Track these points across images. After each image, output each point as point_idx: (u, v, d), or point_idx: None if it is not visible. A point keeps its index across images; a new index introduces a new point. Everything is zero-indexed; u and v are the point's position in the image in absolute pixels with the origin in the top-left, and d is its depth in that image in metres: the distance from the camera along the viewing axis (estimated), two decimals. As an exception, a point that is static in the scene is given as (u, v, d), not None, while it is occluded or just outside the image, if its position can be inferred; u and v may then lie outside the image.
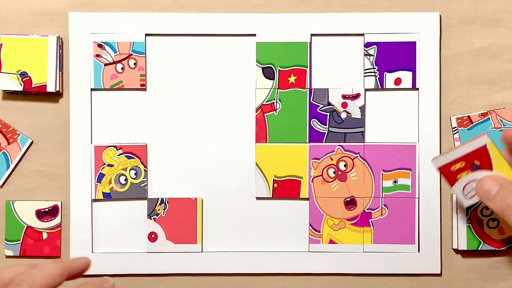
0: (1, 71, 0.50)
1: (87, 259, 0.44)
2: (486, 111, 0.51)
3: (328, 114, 0.51)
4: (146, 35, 0.51)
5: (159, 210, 0.51)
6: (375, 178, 0.51)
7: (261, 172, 0.51)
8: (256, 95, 0.51)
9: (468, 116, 0.51)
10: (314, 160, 0.51)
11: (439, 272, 0.51)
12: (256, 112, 0.51)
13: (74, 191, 0.51)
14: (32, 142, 0.52)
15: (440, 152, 0.51)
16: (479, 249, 0.51)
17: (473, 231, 0.51)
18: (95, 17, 0.51)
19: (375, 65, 0.51)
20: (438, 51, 0.51)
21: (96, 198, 0.51)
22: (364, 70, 0.51)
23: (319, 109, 0.51)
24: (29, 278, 0.40)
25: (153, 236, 0.51)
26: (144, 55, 0.51)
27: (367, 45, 0.51)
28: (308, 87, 0.51)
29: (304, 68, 0.51)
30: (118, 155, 0.51)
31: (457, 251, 0.52)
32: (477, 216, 0.51)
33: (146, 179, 0.52)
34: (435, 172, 0.51)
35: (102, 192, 0.51)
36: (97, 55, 0.51)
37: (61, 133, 0.52)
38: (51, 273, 0.42)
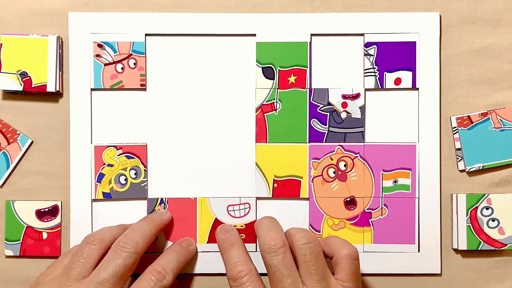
0: (1, 71, 0.50)
1: (168, 213, 0.50)
2: (486, 111, 0.51)
3: (328, 114, 0.51)
4: (146, 35, 0.51)
5: (158, 210, 0.51)
6: (375, 178, 0.51)
7: (261, 172, 0.51)
8: (256, 95, 0.51)
9: (468, 116, 0.51)
10: (314, 160, 0.51)
11: (439, 272, 0.51)
12: (256, 112, 0.51)
13: (74, 191, 0.51)
14: (32, 142, 0.52)
15: (440, 153, 0.51)
16: (479, 249, 0.51)
17: (473, 231, 0.51)
18: (95, 17, 0.51)
19: (375, 65, 0.51)
20: (438, 51, 0.51)
21: (96, 198, 0.51)
22: (364, 70, 0.51)
23: (319, 109, 0.51)
24: (131, 240, 0.44)
25: (153, 236, 0.51)
26: (144, 55, 0.51)
27: (367, 45, 0.51)
28: (308, 87, 0.51)
29: (304, 68, 0.51)
30: (118, 155, 0.51)
31: (457, 251, 0.52)
32: (477, 216, 0.51)
33: (146, 179, 0.52)
34: (435, 172, 0.51)
35: (102, 192, 0.51)
36: (97, 55, 0.51)
37: (61, 133, 0.52)
38: (147, 233, 0.47)
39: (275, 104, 0.51)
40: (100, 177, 0.51)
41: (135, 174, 0.51)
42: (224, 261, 0.48)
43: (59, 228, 0.52)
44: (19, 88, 0.50)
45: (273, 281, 0.44)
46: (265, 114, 0.51)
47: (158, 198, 0.51)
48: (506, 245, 0.51)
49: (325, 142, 0.51)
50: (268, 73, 0.51)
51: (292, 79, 0.51)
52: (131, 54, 0.51)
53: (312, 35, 0.51)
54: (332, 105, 0.51)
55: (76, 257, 0.44)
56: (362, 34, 0.51)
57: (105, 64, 0.51)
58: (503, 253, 0.52)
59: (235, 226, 0.51)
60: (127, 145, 0.52)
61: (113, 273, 0.42)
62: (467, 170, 0.51)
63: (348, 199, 0.52)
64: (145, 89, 0.52)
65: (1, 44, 0.50)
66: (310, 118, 0.51)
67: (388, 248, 0.51)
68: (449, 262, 0.52)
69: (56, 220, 0.51)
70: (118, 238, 0.45)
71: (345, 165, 0.51)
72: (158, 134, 0.52)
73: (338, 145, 0.51)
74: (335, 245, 0.46)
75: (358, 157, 0.51)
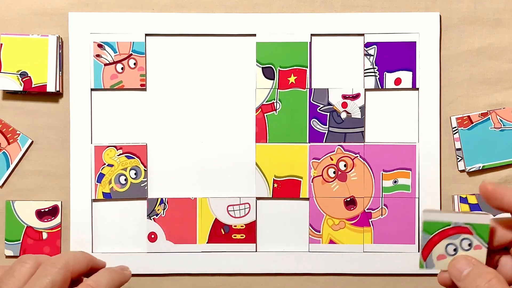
0: (1, 71, 0.50)
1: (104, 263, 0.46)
2: (486, 111, 0.51)
3: (328, 114, 0.51)
4: (146, 35, 0.51)
5: (158, 210, 0.51)
6: (375, 178, 0.51)
7: (261, 172, 0.51)
8: (256, 95, 0.51)
9: (468, 116, 0.51)
10: (314, 160, 0.51)
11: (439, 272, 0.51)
12: (256, 112, 0.51)
13: (74, 191, 0.51)
14: (32, 142, 0.52)
15: (440, 153, 0.51)
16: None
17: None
18: (95, 17, 0.51)
19: (375, 65, 0.51)
20: (438, 51, 0.51)
21: (96, 198, 0.51)
22: (364, 70, 0.51)
23: (319, 109, 0.51)
24: (62, 258, 0.41)
25: (153, 236, 0.51)
26: (144, 55, 0.51)
27: (367, 45, 0.51)
28: (308, 87, 0.51)
29: (304, 68, 0.51)
30: (118, 155, 0.51)
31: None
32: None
33: (146, 179, 0.52)
34: (435, 172, 0.51)
35: (102, 192, 0.51)
36: (97, 55, 0.51)
37: (61, 133, 0.52)
38: (81, 259, 0.43)
39: (275, 104, 0.51)
40: (100, 177, 0.51)
41: (135, 174, 0.51)
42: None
43: (59, 228, 0.52)
44: (19, 88, 0.50)
45: None
46: (265, 114, 0.51)
47: (158, 198, 0.51)
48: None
49: (325, 142, 0.51)
50: (268, 73, 0.51)
51: (292, 79, 0.51)
52: (131, 54, 0.51)
53: (312, 35, 0.51)
54: (332, 105, 0.51)
55: (6, 275, 0.41)
56: (362, 34, 0.51)
57: (105, 64, 0.51)
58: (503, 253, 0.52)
59: (235, 226, 0.51)
60: (127, 145, 0.52)
61: None
62: (467, 170, 0.51)
63: (348, 199, 0.52)
64: (145, 89, 0.52)
65: (1, 44, 0.50)
66: (310, 118, 0.51)
67: (388, 248, 0.51)
68: (449, 262, 0.52)
69: (56, 220, 0.51)
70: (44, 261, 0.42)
71: (345, 165, 0.51)
72: (158, 134, 0.52)
73: (338, 145, 0.51)
74: None
75: (358, 157, 0.51)
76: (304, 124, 0.51)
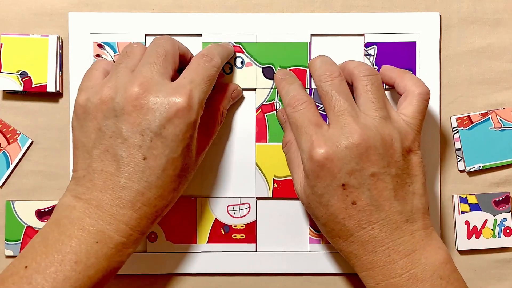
0: (1, 71, 0.50)
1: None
2: (486, 111, 0.51)
3: (328, 114, 0.51)
4: (146, 35, 0.51)
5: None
6: (375, 178, 0.51)
7: (261, 172, 0.51)
8: (256, 95, 0.51)
9: (468, 116, 0.51)
10: (314, 160, 0.51)
11: (439, 272, 0.51)
12: (256, 112, 0.51)
13: (74, 191, 0.51)
14: (32, 142, 0.52)
15: (440, 153, 0.51)
16: (479, 249, 0.51)
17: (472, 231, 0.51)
18: (95, 17, 0.51)
19: (375, 65, 0.51)
20: (438, 51, 0.51)
21: (96, 198, 0.51)
22: (364, 70, 0.51)
23: (319, 109, 0.51)
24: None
25: (152, 236, 0.51)
26: (144, 55, 0.51)
27: (367, 45, 0.51)
28: (308, 87, 0.51)
29: (304, 68, 0.51)
30: (118, 155, 0.51)
31: (457, 251, 0.52)
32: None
33: (146, 179, 0.51)
34: (435, 172, 0.51)
35: (102, 192, 0.51)
36: (97, 55, 0.51)
37: (61, 133, 0.52)
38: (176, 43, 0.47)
39: (275, 104, 0.51)
40: (100, 177, 0.51)
41: (135, 174, 0.51)
42: (281, 96, 0.47)
43: (59, 228, 0.52)
44: (19, 88, 0.50)
45: (329, 107, 0.43)
46: (265, 114, 0.51)
47: (158, 198, 0.51)
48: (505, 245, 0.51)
49: (325, 142, 0.51)
50: (268, 73, 0.51)
51: (292, 79, 0.51)
52: (131, 54, 0.51)
53: (312, 35, 0.51)
54: (332, 105, 0.51)
55: (121, 57, 0.45)
56: (362, 34, 0.51)
57: (105, 64, 0.51)
58: (504, 253, 0.52)
59: (235, 226, 0.51)
60: (127, 145, 0.51)
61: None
62: (467, 170, 0.51)
63: (348, 199, 0.51)
64: (145, 89, 0.52)
65: (1, 44, 0.50)
66: (310, 118, 0.51)
67: (388, 248, 0.51)
68: (449, 262, 0.52)
69: (56, 220, 0.51)
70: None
71: (345, 165, 0.51)
72: (158, 134, 0.52)
73: (338, 145, 0.51)
74: (408, 81, 0.45)
75: (358, 157, 0.51)
76: (304, 124, 0.51)
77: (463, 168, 0.51)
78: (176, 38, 0.51)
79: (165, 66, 0.43)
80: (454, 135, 0.51)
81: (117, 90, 0.41)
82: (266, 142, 0.51)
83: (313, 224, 0.52)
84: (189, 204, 0.52)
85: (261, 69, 0.51)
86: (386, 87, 0.49)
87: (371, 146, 0.41)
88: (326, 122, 0.44)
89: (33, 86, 0.50)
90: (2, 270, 0.51)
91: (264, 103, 0.51)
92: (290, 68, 0.51)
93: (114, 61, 0.47)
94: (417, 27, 0.51)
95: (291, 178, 0.51)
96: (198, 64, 0.44)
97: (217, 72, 0.45)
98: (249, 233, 0.52)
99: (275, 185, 0.51)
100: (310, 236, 0.52)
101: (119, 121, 0.41)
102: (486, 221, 0.51)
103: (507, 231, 0.51)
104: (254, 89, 0.51)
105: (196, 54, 0.46)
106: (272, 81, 0.51)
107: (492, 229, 0.51)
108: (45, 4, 0.52)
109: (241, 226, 0.52)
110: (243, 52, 0.49)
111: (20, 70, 0.50)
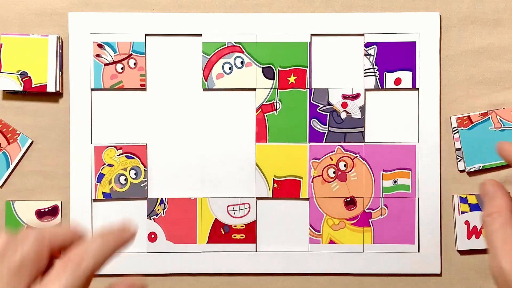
0: (1, 71, 0.50)
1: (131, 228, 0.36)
2: (486, 111, 0.51)
3: (328, 114, 0.51)
4: (146, 35, 0.51)
5: (158, 210, 0.51)
6: (375, 178, 0.51)
7: (261, 172, 0.51)
8: (256, 95, 0.51)
9: (468, 116, 0.51)
10: (314, 160, 0.51)
11: (439, 272, 0.51)
12: (256, 112, 0.51)
13: (74, 191, 0.51)
14: (32, 142, 0.52)
15: (440, 153, 0.51)
16: (479, 249, 0.51)
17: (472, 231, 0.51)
18: (95, 17, 0.51)
19: (375, 65, 0.51)
20: (438, 51, 0.51)
21: (96, 198, 0.51)
22: (364, 70, 0.51)
23: (319, 109, 0.51)
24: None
25: (152, 236, 0.51)
26: (144, 55, 0.51)
27: (367, 45, 0.51)
28: (308, 87, 0.51)
29: (304, 68, 0.51)
30: (118, 155, 0.51)
31: (457, 251, 0.52)
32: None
33: (146, 179, 0.52)
34: (435, 172, 0.51)
35: (102, 192, 0.51)
36: (97, 55, 0.51)
37: (61, 133, 0.52)
38: (61, 232, 0.33)
39: (275, 104, 0.51)
40: (100, 177, 0.51)
41: (135, 174, 0.51)
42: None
43: (59, 228, 0.52)
44: (19, 88, 0.50)
45: None
46: (265, 114, 0.51)
47: (158, 198, 0.51)
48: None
49: (325, 142, 0.51)
50: (268, 73, 0.51)
51: (292, 79, 0.51)
52: (131, 54, 0.51)
53: (312, 35, 0.51)
54: (332, 105, 0.51)
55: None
56: (362, 34, 0.51)
57: (105, 64, 0.51)
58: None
59: (235, 226, 0.51)
60: (127, 145, 0.52)
61: None
62: (467, 170, 0.51)
63: (348, 199, 0.52)
64: (145, 89, 0.52)
65: (1, 44, 0.50)
66: (310, 118, 0.51)
67: (388, 248, 0.51)
68: (449, 262, 0.52)
69: (56, 220, 0.51)
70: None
71: (345, 165, 0.51)
72: (158, 134, 0.52)
73: (338, 145, 0.51)
74: None
75: (358, 157, 0.51)
76: (304, 124, 0.51)
77: (463, 168, 0.51)
78: (176, 38, 0.52)
79: (12, 284, 0.30)
80: (454, 135, 0.51)
81: None
82: (266, 142, 0.51)
83: (313, 224, 0.52)
84: (189, 204, 0.52)
85: (261, 69, 0.51)
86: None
87: None
88: None
89: (33, 86, 0.50)
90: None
91: (264, 103, 0.51)
92: (290, 68, 0.51)
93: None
94: (417, 27, 0.51)
95: (291, 178, 0.51)
96: (58, 275, 0.30)
97: (88, 280, 0.32)
98: (249, 233, 0.52)
99: (275, 185, 0.51)
100: (310, 236, 0.52)
101: None
102: (486, 221, 0.51)
103: (507, 231, 0.51)
104: (254, 89, 0.51)
105: (63, 257, 0.32)
106: (272, 81, 0.51)
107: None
108: (45, 4, 0.52)
109: (241, 226, 0.52)
110: (243, 52, 0.49)
111: (20, 70, 0.50)
